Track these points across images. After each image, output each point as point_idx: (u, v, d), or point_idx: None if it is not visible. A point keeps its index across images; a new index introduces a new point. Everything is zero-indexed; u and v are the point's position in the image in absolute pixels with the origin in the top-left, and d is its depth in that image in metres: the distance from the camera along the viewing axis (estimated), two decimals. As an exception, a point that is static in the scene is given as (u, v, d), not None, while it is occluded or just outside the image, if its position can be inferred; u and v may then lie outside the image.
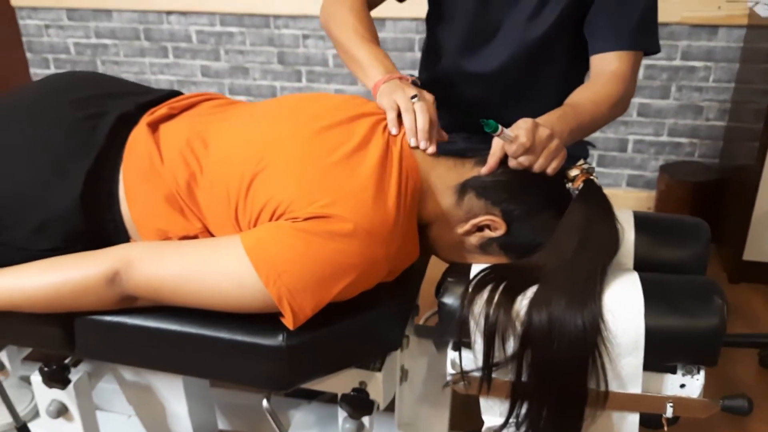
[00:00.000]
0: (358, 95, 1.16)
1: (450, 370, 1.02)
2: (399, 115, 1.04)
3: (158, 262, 0.91)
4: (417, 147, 1.02)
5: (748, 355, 1.89)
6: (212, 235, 0.99)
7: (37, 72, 2.94)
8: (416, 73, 1.53)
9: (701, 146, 2.49)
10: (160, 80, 2.84)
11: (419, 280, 1.16)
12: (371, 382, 1.04)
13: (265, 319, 0.92)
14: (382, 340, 1.02)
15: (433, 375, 1.23)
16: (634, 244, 1.09)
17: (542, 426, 0.95)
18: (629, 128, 2.51)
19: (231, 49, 2.73)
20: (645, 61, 2.42)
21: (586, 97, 1.17)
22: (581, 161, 1.04)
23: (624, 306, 0.93)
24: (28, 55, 2.91)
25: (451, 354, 1.02)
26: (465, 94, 1.38)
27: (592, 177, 1.02)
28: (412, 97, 1.04)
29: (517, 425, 0.97)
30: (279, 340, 0.92)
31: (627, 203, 2.60)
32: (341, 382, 1.04)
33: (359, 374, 1.04)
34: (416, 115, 1.02)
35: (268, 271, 0.87)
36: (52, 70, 2.92)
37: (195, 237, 0.98)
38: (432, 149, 1.02)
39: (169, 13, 2.71)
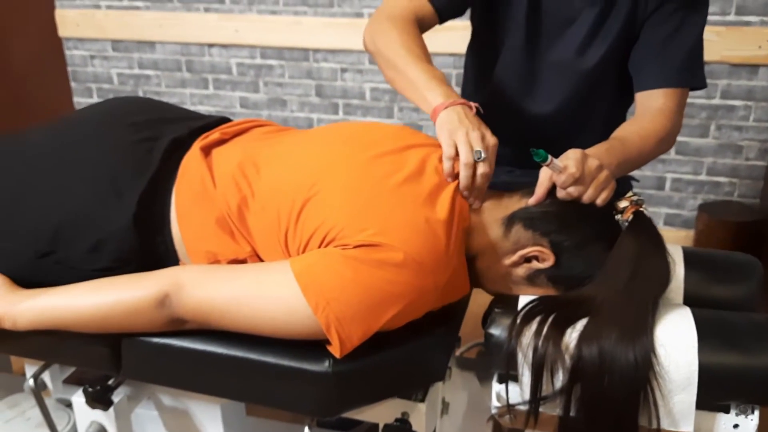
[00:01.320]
0: (406, 126, 1.16)
1: (495, 402, 1.00)
2: (455, 158, 0.99)
3: (208, 286, 0.91)
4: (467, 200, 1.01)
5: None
6: (261, 260, 0.99)
7: (80, 101, 3.02)
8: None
9: (741, 186, 2.46)
10: (200, 110, 2.88)
11: (463, 311, 1.15)
12: (413, 413, 1.03)
13: (311, 345, 0.92)
14: (427, 371, 1.01)
15: (473, 408, 1.21)
16: (684, 280, 1.07)
17: None
18: (667, 166, 2.49)
19: (270, 81, 2.78)
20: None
21: (633, 131, 1.16)
22: (630, 193, 1.03)
23: (677, 341, 0.91)
24: (73, 84, 3.00)
25: (497, 386, 1.00)
26: (512, 130, 1.38)
27: (642, 209, 1.02)
28: (477, 156, 0.98)
29: None
30: (325, 366, 0.91)
31: (665, 241, 2.57)
32: (383, 412, 1.03)
33: (402, 404, 1.03)
34: (476, 175, 0.98)
35: (317, 297, 0.87)
36: (95, 100, 3.00)
37: (244, 261, 0.99)
38: (479, 205, 1.02)
39: (210, 45, 2.77)
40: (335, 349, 0.89)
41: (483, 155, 0.98)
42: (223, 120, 1.19)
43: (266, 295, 0.90)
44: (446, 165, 1.00)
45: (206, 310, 0.91)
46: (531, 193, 1.02)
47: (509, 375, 0.98)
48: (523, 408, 0.96)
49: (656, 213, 2.56)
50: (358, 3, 2.55)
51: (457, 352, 1.36)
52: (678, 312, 0.95)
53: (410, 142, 1.06)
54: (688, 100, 2.38)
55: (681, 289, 1.06)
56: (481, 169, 0.98)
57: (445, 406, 1.14)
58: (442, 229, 0.93)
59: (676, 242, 2.56)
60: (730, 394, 0.93)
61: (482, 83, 1.39)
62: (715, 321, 0.95)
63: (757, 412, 0.93)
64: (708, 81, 2.33)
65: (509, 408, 0.98)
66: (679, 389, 0.90)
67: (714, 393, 0.92)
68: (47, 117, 1.22)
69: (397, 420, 1.02)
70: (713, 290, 1.07)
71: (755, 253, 2.35)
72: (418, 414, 1.03)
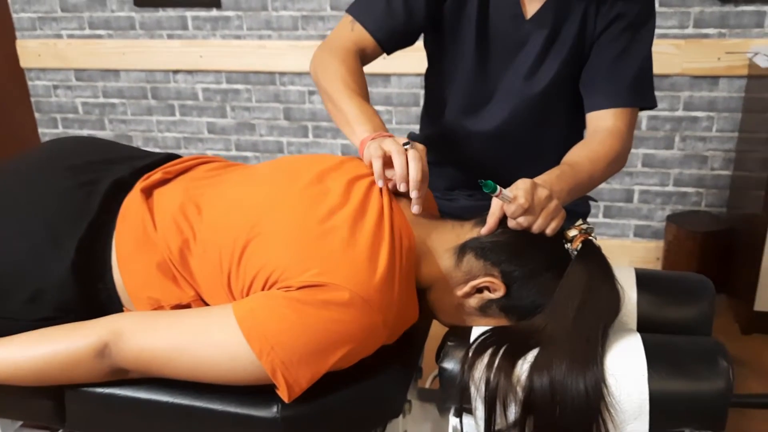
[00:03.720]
0: (356, 157, 1.15)
1: (451, 437, 0.99)
2: (385, 165, 1.01)
3: (148, 334, 0.89)
4: (406, 193, 1.00)
5: (764, 413, 1.84)
6: (206, 304, 0.97)
7: (45, 132, 2.99)
8: (417, 128, 1.53)
9: (708, 196, 2.47)
10: (167, 138, 2.88)
11: (421, 343, 1.14)
12: (375, 451, 1.01)
13: (260, 390, 0.90)
14: (383, 408, 1.00)
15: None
16: (637, 304, 1.07)
17: None
18: (634, 179, 2.50)
19: (237, 105, 2.77)
20: (648, 113, 2.43)
21: (583, 155, 1.16)
22: (579, 221, 1.03)
23: (627, 370, 0.91)
24: (37, 115, 2.97)
25: (453, 420, 0.99)
26: (467, 152, 1.38)
27: (591, 237, 1.01)
28: (404, 144, 1.01)
29: None
30: (274, 411, 0.90)
31: (635, 254, 2.58)
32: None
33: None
34: (408, 162, 0.99)
35: (261, 343, 0.85)
36: (60, 130, 2.97)
37: (188, 305, 0.97)
38: (418, 209, 1.01)
39: (175, 72, 2.76)
40: (283, 394, 0.87)
41: (411, 144, 1.01)
42: (170, 157, 1.17)
43: (208, 342, 0.88)
44: (376, 165, 1.01)
45: (147, 358, 0.89)
46: (483, 222, 1.02)
47: (464, 408, 0.97)
48: (479, 443, 0.95)
49: (626, 225, 2.57)
50: (323, 25, 2.55)
51: (426, 383, 1.35)
52: (628, 340, 0.95)
53: (357, 173, 1.05)
54: (652, 113, 2.41)
55: (634, 313, 1.06)
56: (412, 153, 0.99)
57: (406, 440, 1.13)
58: (387, 263, 0.92)
59: (646, 253, 2.59)
60: (682, 421, 0.92)
61: (439, 107, 1.39)
62: (664, 348, 0.94)
63: (711, 438, 0.92)
64: (670, 93, 2.37)
65: (464, 443, 0.97)
66: (632, 419, 0.90)
67: (666, 421, 0.91)
68: (13, 150, 1.20)
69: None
70: (666, 313, 1.07)
71: (724, 262, 2.37)
72: (379, 451, 1.01)
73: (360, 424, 0.98)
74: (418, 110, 2.59)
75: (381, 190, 1.02)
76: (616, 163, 1.20)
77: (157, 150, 2.88)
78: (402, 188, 1.00)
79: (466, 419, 0.97)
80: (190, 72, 2.75)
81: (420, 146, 1.05)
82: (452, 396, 0.97)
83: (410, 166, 1.00)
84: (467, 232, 1.02)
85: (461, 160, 1.40)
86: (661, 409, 0.89)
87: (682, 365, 0.91)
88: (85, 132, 2.96)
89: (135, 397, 0.94)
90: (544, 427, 0.91)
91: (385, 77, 2.58)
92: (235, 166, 1.15)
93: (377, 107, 2.63)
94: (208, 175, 1.11)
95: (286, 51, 2.60)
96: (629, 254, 2.58)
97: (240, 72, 2.70)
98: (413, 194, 1.00)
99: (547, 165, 1.14)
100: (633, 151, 2.45)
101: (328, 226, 0.94)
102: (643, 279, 1.10)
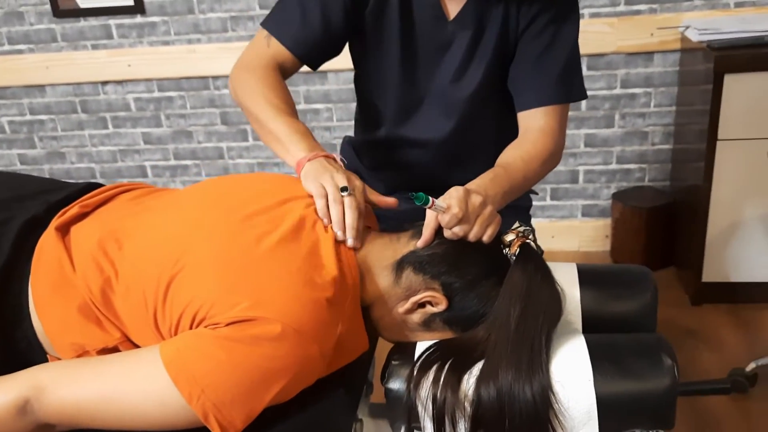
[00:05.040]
0: (286, 175, 1.11)
1: (402, 457, 0.96)
2: (325, 196, 0.99)
3: (71, 386, 0.84)
4: (343, 241, 0.97)
5: (717, 382, 1.87)
6: (134, 344, 0.92)
7: (-27, 154, 2.85)
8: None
9: (651, 171, 2.50)
10: (102, 152, 2.77)
11: (369, 357, 1.11)
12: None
13: (198, 431, 0.86)
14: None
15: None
16: (581, 301, 1.05)
17: None
18: (578, 159, 2.51)
19: (172, 113, 2.68)
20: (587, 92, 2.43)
21: (517, 156, 1.14)
22: (516, 224, 1.01)
23: (573, 375, 0.89)
24: (-38, 137, 2.83)
25: (403, 439, 0.96)
26: (403, 157, 1.35)
27: (528, 240, 0.99)
28: (342, 189, 0.98)
29: None
30: (212, 453, 0.85)
31: (584, 233, 2.60)
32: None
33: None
34: (345, 209, 0.97)
35: (190, 387, 0.81)
36: (-11, 151, 2.84)
37: (115, 348, 0.92)
38: (357, 244, 0.98)
39: (104, 83, 2.66)
40: None
41: (349, 191, 0.98)
42: (89, 187, 1.11)
43: (136, 390, 0.83)
44: (319, 204, 0.98)
45: (72, 412, 0.84)
46: (419, 234, 0.98)
47: (413, 427, 0.94)
48: (430, 462, 0.92)
49: (573, 206, 2.58)
50: (252, 26, 2.48)
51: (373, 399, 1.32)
52: (572, 343, 0.93)
53: (290, 194, 1.01)
54: (591, 93, 2.41)
55: (579, 312, 1.04)
56: (349, 202, 0.97)
57: (361, 458, 1.10)
58: (325, 289, 0.88)
59: (594, 232, 2.60)
60: (631, 422, 0.91)
61: (371, 113, 1.35)
62: (608, 349, 0.93)
63: (661, 435, 0.92)
64: (607, 72, 2.38)
65: (415, 463, 0.95)
66: (581, 425, 0.88)
67: (615, 423, 0.90)
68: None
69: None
70: (610, 308, 1.06)
71: (670, 235, 2.39)
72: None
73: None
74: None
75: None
76: (550, 162, 1.18)
77: (92, 165, 2.79)
78: (339, 236, 0.97)
79: (417, 436, 0.94)
80: (119, 82, 2.65)
81: (358, 184, 1.02)
82: (400, 416, 0.95)
83: (346, 215, 0.97)
84: (404, 246, 0.99)
85: (398, 166, 1.37)
86: (609, 412, 0.88)
87: (627, 366, 0.90)
88: (14, 152, 2.83)
89: (65, 451, 0.89)
90: (492, 443, 0.89)
91: (322, 74, 2.53)
92: (158, 193, 1.10)
93: (316, 105, 2.58)
94: (128, 205, 1.05)
95: (217, 54, 2.53)
96: (578, 234, 2.60)
97: (171, 79, 2.61)
98: (350, 242, 0.97)
99: (483, 165, 1.11)
100: (575, 131, 2.46)
101: (258, 253, 0.89)
102: (586, 275, 1.09)
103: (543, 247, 1.04)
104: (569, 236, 2.60)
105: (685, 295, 2.28)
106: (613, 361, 0.91)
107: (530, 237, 1.00)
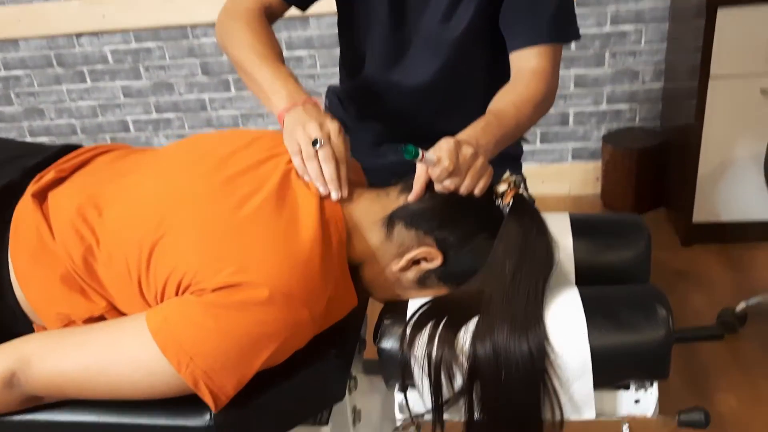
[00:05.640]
0: (272, 130, 1.07)
1: (398, 414, 0.96)
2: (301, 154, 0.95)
3: (58, 357, 0.82)
4: (328, 196, 0.94)
5: (707, 322, 1.89)
6: (121, 312, 0.90)
7: (-52, 113, 2.78)
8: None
9: (641, 110, 2.47)
10: (82, 107, 2.70)
11: (360, 314, 1.10)
12: (319, 435, 0.98)
13: (189, 398, 0.84)
14: (323, 397, 0.96)
15: (388, 409, 1.17)
16: (574, 252, 1.04)
17: None
18: (568, 101, 2.47)
19: (151, 65, 2.60)
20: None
21: (509, 100, 1.10)
22: (507, 174, 0.98)
23: (567, 329, 0.88)
24: (-64, 96, 2.75)
25: (398, 396, 0.96)
26: (391, 105, 1.31)
27: (521, 191, 0.97)
28: (314, 143, 0.94)
29: None
30: (206, 419, 0.84)
31: (574, 176, 2.58)
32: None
33: (305, 430, 0.98)
34: (321, 164, 0.94)
35: (179, 355, 0.79)
36: (-35, 109, 2.76)
37: (101, 317, 0.90)
38: (343, 194, 0.95)
39: (78, 35, 2.57)
40: (210, 404, 0.82)
41: (320, 142, 0.94)
42: (65, 150, 1.07)
43: (123, 360, 0.81)
44: (296, 162, 0.95)
45: (59, 383, 0.83)
46: (409, 188, 0.96)
47: (407, 385, 0.94)
48: (428, 418, 0.92)
49: (563, 149, 2.55)
50: (230, -30, 2.38)
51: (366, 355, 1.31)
52: (566, 296, 0.92)
53: (272, 151, 0.98)
54: (581, 31, 2.34)
55: (572, 263, 1.03)
56: (323, 155, 0.94)
57: (357, 414, 1.10)
58: (312, 250, 0.86)
59: (585, 175, 2.59)
60: (626, 374, 0.91)
61: (357, 59, 1.30)
62: (602, 301, 0.92)
63: (656, 385, 0.92)
64: (597, 9, 2.31)
65: (413, 419, 0.94)
66: (576, 377, 0.88)
67: (610, 375, 0.90)
68: None
69: (300, 448, 0.97)
70: (604, 258, 1.05)
71: (661, 176, 2.38)
72: (325, 434, 0.98)
73: (301, 415, 0.95)
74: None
75: None
76: (543, 105, 1.14)
77: (73, 121, 2.72)
78: (322, 191, 0.94)
79: (413, 393, 0.94)
80: (94, 34, 2.56)
81: (334, 131, 0.97)
82: (394, 375, 0.94)
83: (324, 169, 0.94)
84: (393, 200, 0.97)
85: (386, 114, 1.33)
86: (603, 364, 0.88)
87: (621, 318, 0.89)
88: (-10, 109, 2.76)
89: (57, 421, 0.88)
90: (490, 394, 0.88)
91: (304, 20, 2.45)
92: (137, 154, 1.06)
93: (298, 52, 2.51)
94: (106, 168, 1.01)
95: (196, 1, 2.44)
96: (569, 178, 2.58)
97: (149, 29, 2.53)
98: (333, 195, 0.94)
99: (474, 113, 1.08)
100: (565, 72, 2.41)
101: (241, 216, 0.87)
102: (579, 225, 1.07)
103: (533, 193, 1.01)
104: (559, 180, 2.58)
105: (676, 237, 2.28)
106: (607, 314, 0.89)
107: (522, 187, 0.98)
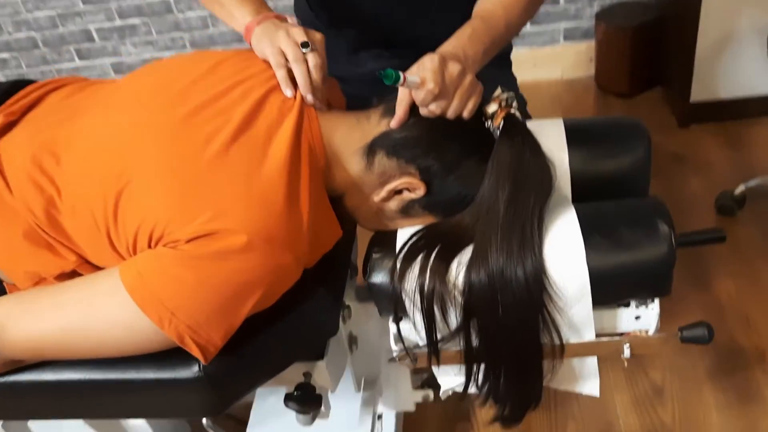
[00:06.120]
0: (235, 51, 0.97)
1: (393, 346, 0.94)
2: (286, 64, 0.88)
3: (32, 321, 0.78)
4: (311, 104, 0.88)
5: (704, 206, 1.86)
6: (93, 266, 0.85)
7: None
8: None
9: (636, -17, 2.31)
10: (39, 18, 2.53)
11: (350, 241, 1.05)
12: (315, 371, 0.96)
13: (175, 349, 0.81)
14: (316, 335, 0.93)
15: (384, 332, 1.16)
16: (570, 162, 0.98)
17: (503, 386, 0.89)
18: (558, -23, 2.31)
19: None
20: None
21: (495, 1, 1.00)
22: (498, 91, 0.90)
23: (564, 253, 0.84)
24: None
25: (392, 327, 0.93)
26: (366, 6, 1.20)
27: (512, 111, 0.89)
28: (303, 45, 0.88)
29: (478, 387, 0.91)
30: (195, 370, 0.82)
31: (567, 59, 2.46)
32: (284, 379, 0.95)
33: (301, 366, 0.96)
34: (310, 71, 0.87)
35: (160, 312, 0.75)
36: None
37: (73, 272, 0.85)
38: (324, 106, 0.89)
39: (25, -62, 2.35)
40: (199, 357, 0.78)
41: (310, 46, 0.88)
42: (15, 87, 0.98)
43: (101, 319, 0.77)
44: (280, 75, 0.88)
45: (37, 347, 0.79)
46: (391, 112, 0.88)
47: (401, 317, 0.91)
48: (423, 349, 0.90)
49: (555, 30, 2.42)
50: None
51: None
52: (563, 217, 0.87)
53: (240, 76, 0.89)
54: None
55: (567, 175, 0.97)
56: (312, 60, 0.88)
57: (354, 341, 1.08)
58: (289, 187, 0.79)
59: (577, 57, 2.47)
60: (627, 293, 0.88)
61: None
62: (600, 219, 0.87)
63: (657, 301, 0.89)
64: None
65: (407, 351, 0.92)
66: (575, 301, 0.85)
67: (609, 296, 0.88)
68: None
69: (298, 386, 0.95)
70: (601, 166, 0.98)
71: (657, 55, 2.27)
72: (320, 371, 0.96)
73: (295, 354, 0.92)
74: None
75: (277, 91, 0.88)
76: (534, 4, 1.04)
77: (32, 34, 2.55)
78: (309, 99, 0.88)
79: (407, 323, 0.91)
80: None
81: (319, 38, 0.91)
82: (387, 309, 0.91)
83: (313, 76, 0.88)
84: (374, 126, 0.89)
85: (362, 17, 1.22)
86: (603, 286, 0.84)
87: (621, 237, 0.84)
88: (-57, 26, 2.58)
89: (42, 380, 0.85)
90: (488, 328, 0.85)
91: None
92: (92, 88, 0.97)
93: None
94: (60, 107, 0.93)
95: None
96: (561, 61, 2.46)
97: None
98: (318, 102, 0.89)
99: (455, 16, 0.98)
100: (553, -54, 2.24)
101: (209, 155, 0.79)
102: (574, 133, 1.00)
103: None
104: (552, 64, 2.46)
105: (672, 117, 2.21)
106: (606, 234, 0.85)
107: (514, 105, 0.90)
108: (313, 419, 1.00)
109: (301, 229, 0.81)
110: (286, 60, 0.89)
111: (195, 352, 0.77)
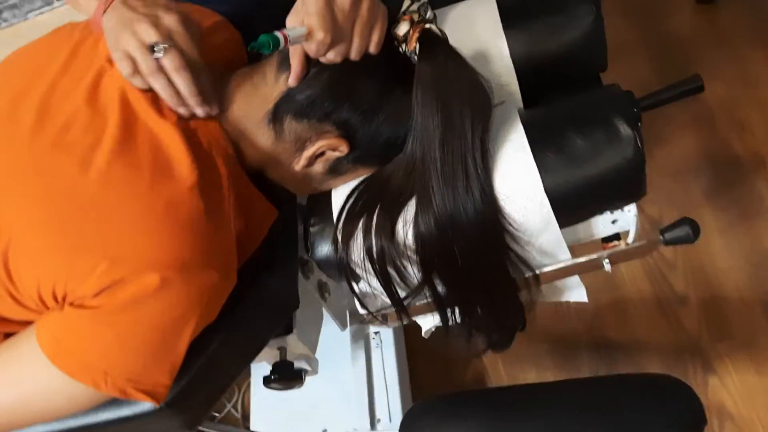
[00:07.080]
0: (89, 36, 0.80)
1: (361, 310, 0.87)
2: (138, 72, 0.71)
3: None
4: (194, 117, 0.73)
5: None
6: (2, 319, 0.76)
7: None
8: None
9: None
10: None
11: (292, 213, 0.93)
12: (290, 344, 0.92)
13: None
14: (278, 314, 0.86)
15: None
16: (511, 51, 0.84)
17: (482, 321, 0.84)
18: None
19: None
20: None
21: None
22: (406, 4, 0.74)
23: (516, 184, 0.73)
24: None
25: (356, 288, 0.86)
26: None
27: (428, 26, 0.74)
28: (153, 50, 0.69)
29: (459, 324, 0.86)
30: (152, 404, 0.76)
31: None
32: (262, 357, 0.92)
33: (273, 342, 0.91)
34: (171, 77, 0.70)
35: (92, 375, 0.68)
36: None
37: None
38: (212, 110, 0.74)
39: None
40: (150, 402, 0.72)
41: (162, 47, 0.69)
42: None
43: (37, 394, 0.70)
44: (135, 83, 0.72)
45: None
46: (287, 60, 0.73)
47: (360, 289, 0.83)
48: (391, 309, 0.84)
49: None
50: None
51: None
52: (510, 143, 0.75)
53: (98, 67, 0.75)
54: None
55: (511, 69, 0.83)
56: (170, 62, 0.70)
57: (325, 288, 1.00)
58: (190, 200, 0.68)
59: None
60: (596, 208, 0.78)
61: None
62: (552, 132, 0.75)
63: (633, 204, 0.79)
64: None
65: (373, 315, 0.86)
66: (539, 233, 0.76)
67: (578, 215, 0.78)
68: None
69: (274, 366, 0.91)
70: (547, 46, 0.84)
71: None
72: (293, 342, 0.91)
73: (259, 344, 0.86)
74: None
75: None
76: None
77: None
78: (184, 113, 0.73)
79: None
80: None
81: (174, 25, 0.71)
82: (340, 279, 0.83)
83: (176, 83, 0.71)
84: (272, 86, 0.75)
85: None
86: (569, 208, 0.75)
87: (578, 150, 0.73)
88: None
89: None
90: (450, 277, 0.78)
91: None
92: None
93: None
94: None
95: None
96: None
97: None
98: (199, 113, 0.73)
99: None
100: None
101: (88, 187, 0.66)
102: (510, 13, 0.85)
103: None
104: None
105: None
106: (561, 148, 0.73)
107: (429, 16, 0.75)
108: (303, 381, 0.97)
109: (222, 238, 0.71)
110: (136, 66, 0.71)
111: (144, 399, 0.72)
